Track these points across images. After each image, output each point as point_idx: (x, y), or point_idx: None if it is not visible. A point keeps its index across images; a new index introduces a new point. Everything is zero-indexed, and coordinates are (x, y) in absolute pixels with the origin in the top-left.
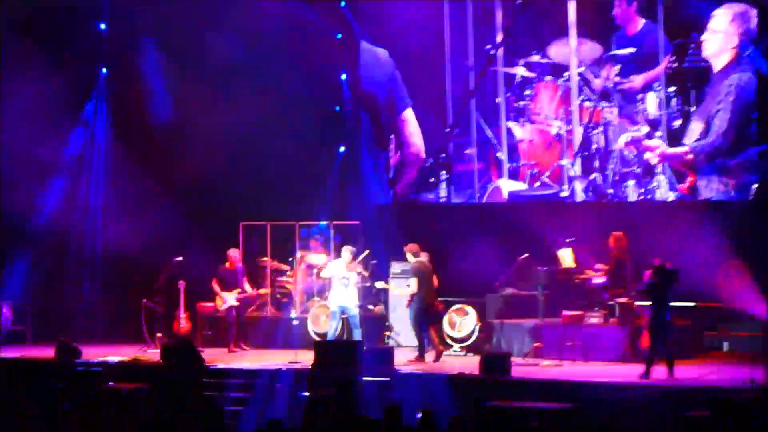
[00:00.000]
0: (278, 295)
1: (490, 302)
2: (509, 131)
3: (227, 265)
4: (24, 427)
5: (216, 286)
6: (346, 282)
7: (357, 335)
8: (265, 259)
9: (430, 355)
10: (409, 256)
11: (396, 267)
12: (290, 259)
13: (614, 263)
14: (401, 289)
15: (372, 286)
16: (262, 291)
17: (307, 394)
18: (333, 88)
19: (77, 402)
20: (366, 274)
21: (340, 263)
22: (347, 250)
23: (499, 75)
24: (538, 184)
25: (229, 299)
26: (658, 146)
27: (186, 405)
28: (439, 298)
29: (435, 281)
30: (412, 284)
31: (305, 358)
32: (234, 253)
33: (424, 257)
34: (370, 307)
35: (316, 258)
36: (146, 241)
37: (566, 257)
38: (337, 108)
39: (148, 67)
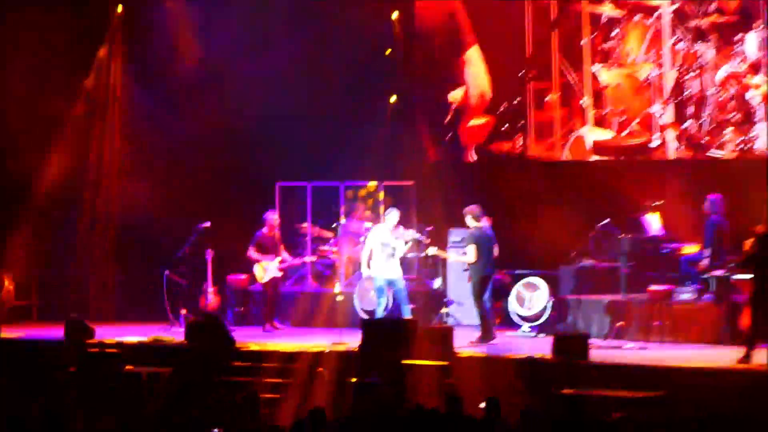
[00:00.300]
0: (320, 267)
1: (565, 275)
2: (594, 76)
3: (265, 230)
4: (30, 419)
5: (255, 254)
6: (392, 251)
7: (406, 312)
8: (304, 225)
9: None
10: (468, 219)
11: (455, 234)
12: (333, 225)
13: (710, 230)
14: (457, 256)
15: (426, 256)
16: (306, 259)
17: (353, 380)
18: (384, 27)
19: (90, 388)
20: (415, 240)
21: (384, 228)
22: (392, 213)
23: (584, 14)
24: (625, 132)
25: (270, 268)
26: (760, 84)
27: (215, 391)
28: (505, 270)
29: (496, 250)
30: (470, 252)
31: (351, 339)
32: (273, 217)
33: (485, 222)
34: (427, 280)
35: (362, 224)
36: (168, 205)
37: (653, 223)
38: (389, 51)
39: (171, 3)
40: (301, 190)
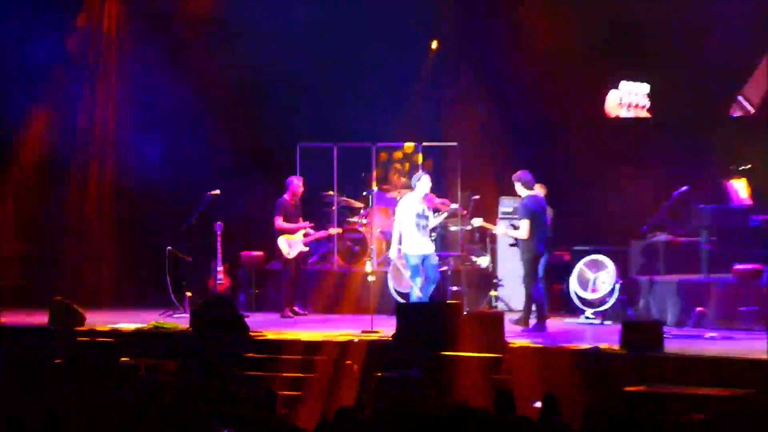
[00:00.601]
0: (348, 242)
1: (636, 252)
2: None
3: (287, 197)
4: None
5: (282, 223)
6: (425, 222)
7: (427, 293)
8: (330, 192)
9: (553, 322)
10: (518, 187)
11: (506, 204)
12: (364, 193)
13: None
14: (507, 229)
15: (472, 228)
16: (332, 231)
17: (387, 374)
18: None
19: (80, 383)
20: (451, 210)
21: (415, 198)
22: (423, 180)
23: None
24: None
25: (296, 242)
26: None
27: (225, 387)
28: (565, 247)
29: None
30: (523, 226)
31: (384, 327)
32: (298, 183)
33: (539, 190)
34: (473, 258)
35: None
36: (172, 169)
37: (740, 190)
38: None
39: None
40: (325, 153)
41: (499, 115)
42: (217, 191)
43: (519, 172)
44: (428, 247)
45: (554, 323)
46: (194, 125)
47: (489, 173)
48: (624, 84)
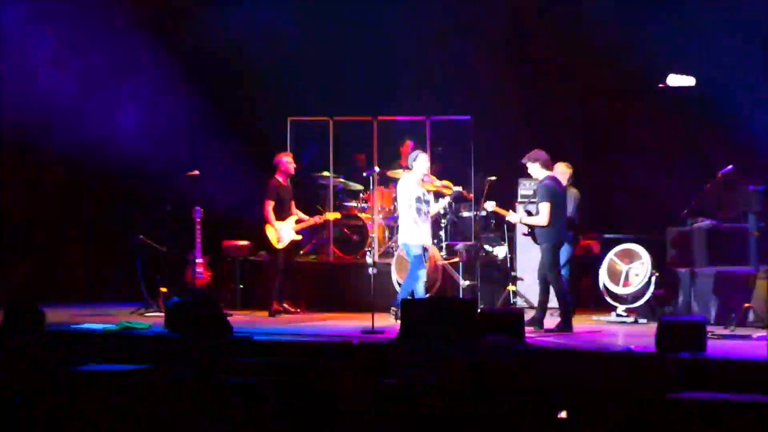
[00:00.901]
0: (346, 230)
1: (674, 240)
2: None
3: (279, 178)
4: None
5: (271, 211)
6: (426, 208)
7: (419, 288)
8: (326, 173)
9: (579, 321)
10: (534, 168)
11: (526, 186)
12: (364, 174)
13: None
14: (524, 215)
15: (486, 214)
16: (329, 215)
17: (391, 380)
18: None
19: (38, 393)
20: (462, 193)
21: (412, 179)
22: (419, 159)
23: None
24: None
25: (285, 231)
26: None
27: (205, 394)
28: (594, 235)
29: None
30: (542, 212)
31: (387, 325)
32: (288, 160)
33: (565, 170)
34: (488, 248)
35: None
36: (145, 146)
37: None
38: None
39: None
40: (320, 128)
41: (518, 85)
42: (196, 172)
43: (534, 152)
44: (427, 238)
45: (581, 322)
46: (171, 97)
47: (507, 151)
48: None
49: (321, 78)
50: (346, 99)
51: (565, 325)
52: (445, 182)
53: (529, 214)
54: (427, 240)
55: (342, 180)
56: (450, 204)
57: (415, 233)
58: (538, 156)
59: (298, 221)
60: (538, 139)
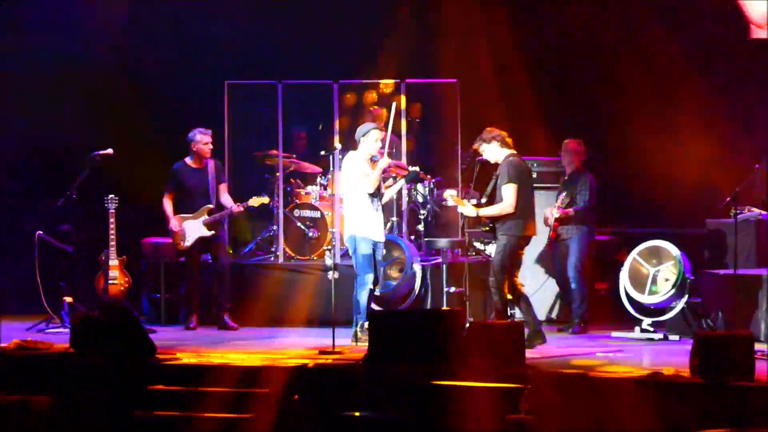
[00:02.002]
0: (300, 223)
1: (714, 236)
2: None
3: (189, 161)
4: None
5: (167, 204)
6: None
7: (363, 297)
8: (273, 151)
9: (594, 337)
10: (492, 149)
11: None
12: (322, 153)
13: None
14: (474, 208)
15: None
16: (253, 201)
17: (357, 414)
18: None
19: None
20: (412, 174)
21: (359, 158)
22: (370, 133)
23: None
24: None
25: (191, 227)
26: None
27: (118, 430)
28: (612, 230)
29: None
30: (507, 195)
31: (351, 345)
32: (202, 138)
33: (575, 150)
34: (478, 245)
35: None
36: (43, 117)
37: None
38: None
39: None
40: (266, 94)
41: (516, 43)
42: (110, 150)
43: (485, 132)
44: (381, 232)
45: (597, 338)
46: (76, 61)
47: (501, 124)
48: None
49: (267, 35)
50: (298, 59)
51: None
52: (398, 162)
53: (487, 201)
54: (378, 234)
55: (295, 160)
56: (411, 179)
57: (363, 224)
58: (493, 135)
59: (211, 212)
60: (545, 110)
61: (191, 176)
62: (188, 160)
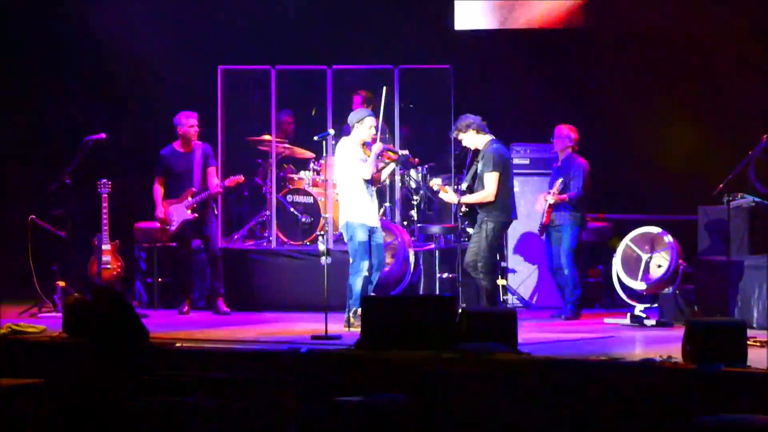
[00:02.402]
0: (293, 209)
1: (707, 223)
2: None
3: (177, 146)
4: None
5: (157, 189)
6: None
7: (357, 284)
8: (266, 137)
9: (587, 322)
10: (469, 137)
11: (520, 153)
12: (315, 138)
13: None
14: (454, 195)
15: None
16: (229, 181)
17: (350, 399)
18: None
19: None
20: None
21: (351, 141)
22: (365, 120)
23: None
24: None
25: (175, 212)
26: None
27: (111, 417)
28: (604, 215)
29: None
30: (488, 183)
31: (343, 330)
32: (187, 121)
33: (567, 136)
34: (471, 231)
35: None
36: (36, 106)
37: None
38: None
39: None
40: (258, 79)
41: (510, 30)
42: (102, 135)
43: (459, 120)
44: (376, 218)
45: (589, 325)
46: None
47: (494, 110)
48: None
49: (260, 19)
50: (292, 44)
51: None
52: (388, 146)
53: (468, 189)
54: (373, 219)
55: (288, 145)
56: (401, 162)
57: (358, 210)
58: (467, 123)
59: (193, 196)
60: (536, 95)
61: (178, 161)
62: (176, 145)
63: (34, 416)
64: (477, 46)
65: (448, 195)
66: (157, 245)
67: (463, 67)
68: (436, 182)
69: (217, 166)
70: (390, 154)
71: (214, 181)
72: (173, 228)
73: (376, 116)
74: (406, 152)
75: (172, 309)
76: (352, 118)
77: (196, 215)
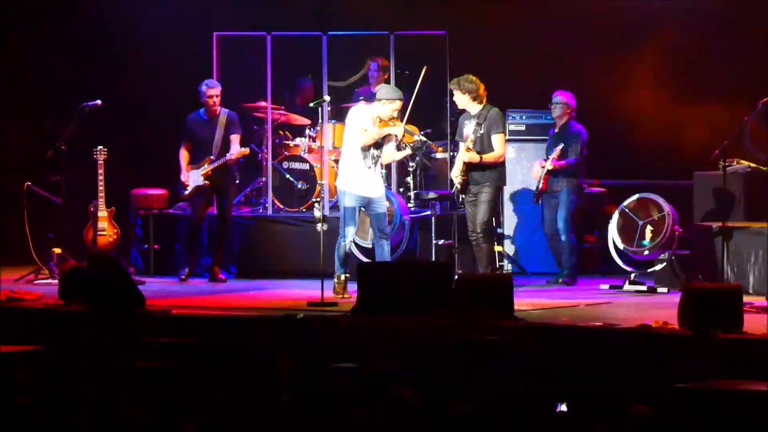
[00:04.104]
0: (289, 176)
1: (703, 189)
2: None
3: (202, 113)
4: None
5: (182, 155)
6: (376, 152)
7: (385, 253)
8: (262, 103)
9: (583, 288)
10: (465, 101)
11: (516, 119)
12: (311, 105)
13: None
14: (465, 155)
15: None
16: (233, 155)
17: (346, 366)
18: None
19: None
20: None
21: (367, 110)
22: (383, 89)
23: None
24: None
25: (192, 176)
26: None
27: (108, 381)
28: (600, 181)
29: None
30: (497, 144)
31: (339, 297)
32: (207, 90)
33: (564, 102)
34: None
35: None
36: (31, 71)
37: None
38: None
39: None
40: (254, 45)
41: None
42: (98, 101)
43: (469, 79)
44: (374, 189)
45: (585, 291)
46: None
47: (492, 77)
48: None
49: None
50: (287, 9)
51: None
52: (408, 127)
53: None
54: (368, 190)
55: (283, 112)
56: (417, 148)
57: (353, 180)
58: (471, 88)
59: (212, 161)
60: (533, 61)
61: (202, 127)
62: (202, 111)
63: (32, 383)
64: (473, 11)
65: (472, 154)
66: (154, 212)
67: (459, 33)
68: (467, 144)
69: (240, 133)
70: (408, 137)
71: (234, 147)
72: (186, 193)
73: (410, 97)
74: (423, 138)
75: (168, 276)
76: (383, 92)
77: (208, 182)
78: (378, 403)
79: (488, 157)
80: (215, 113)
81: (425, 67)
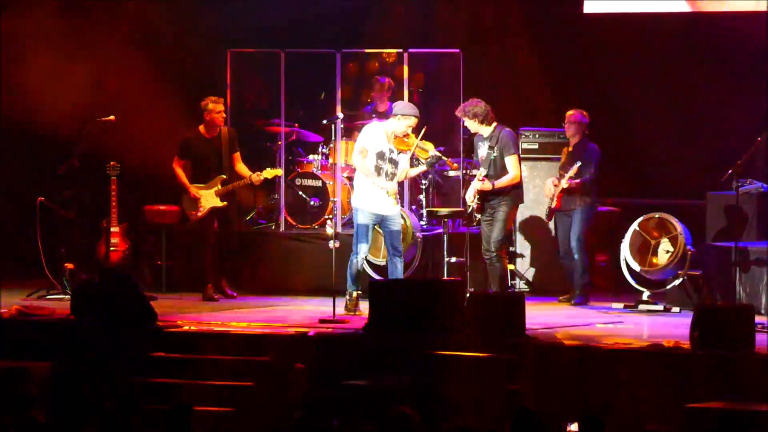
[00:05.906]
0: (301, 192)
1: (716, 209)
2: None
3: (201, 129)
4: None
5: (180, 172)
6: (391, 169)
7: (398, 271)
8: (275, 120)
9: (594, 309)
10: (474, 125)
11: (530, 138)
12: (324, 122)
13: None
14: (483, 182)
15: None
16: (267, 173)
17: (358, 383)
18: None
19: None
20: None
21: (383, 129)
22: (399, 106)
23: None
24: None
25: (205, 197)
26: None
27: (122, 400)
28: (612, 200)
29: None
30: (512, 166)
31: (351, 314)
32: (214, 107)
33: (578, 121)
34: (478, 216)
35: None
36: (46, 89)
37: None
38: None
39: None
40: (268, 63)
41: (520, 12)
42: (111, 117)
43: (474, 103)
44: (388, 206)
45: (597, 310)
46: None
47: (505, 95)
48: None
49: (270, 3)
50: (301, 27)
51: None
52: (423, 143)
53: (487, 176)
54: (383, 208)
55: (297, 129)
56: (432, 164)
57: (367, 197)
58: (476, 111)
59: (224, 183)
60: (548, 80)
61: (204, 145)
62: (201, 129)
63: (44, 397)
64: (488, 30)
65: (486, 184)
66: (166, 228)
67: (474, 51)
68: (480, 173)
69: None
70: (421, 151)
71: (240, 166)
72: (200, 214)
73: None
74: (437, 154)
75: (179, 292)
76: (398, 108)
77: (226, 203)
78: (386, 420)
79: (502, 183)
80: (217, 131)
81: (425, 127)
